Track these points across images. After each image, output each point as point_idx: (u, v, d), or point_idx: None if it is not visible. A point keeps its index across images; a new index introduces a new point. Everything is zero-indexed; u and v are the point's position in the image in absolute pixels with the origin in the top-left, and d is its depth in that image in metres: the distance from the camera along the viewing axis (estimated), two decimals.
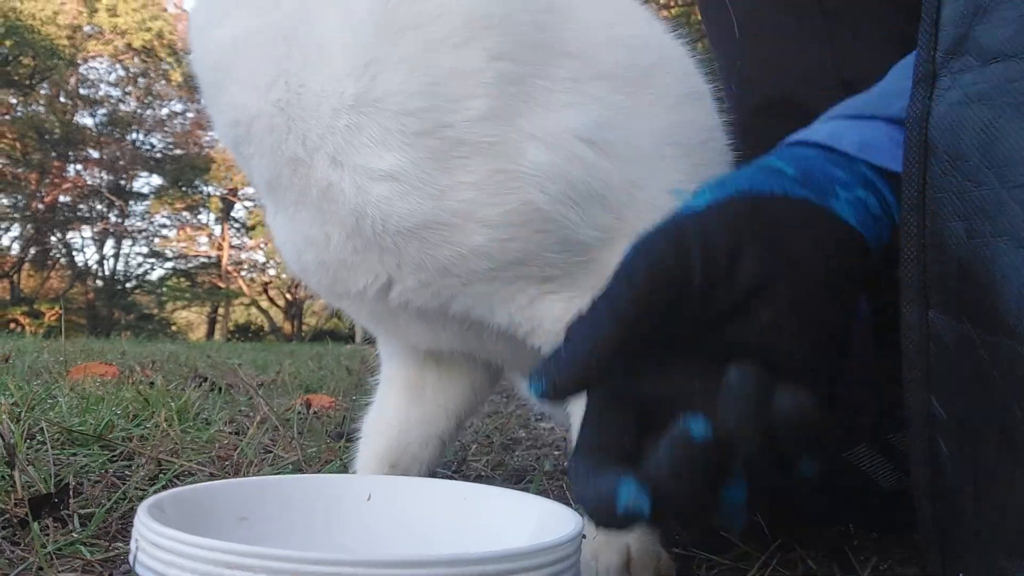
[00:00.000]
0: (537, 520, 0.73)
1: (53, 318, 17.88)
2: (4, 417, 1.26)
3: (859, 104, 0.79)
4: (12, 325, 18.09)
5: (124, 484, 1.08)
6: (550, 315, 0.82)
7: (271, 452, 1.43)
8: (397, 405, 1.03)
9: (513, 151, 0.75)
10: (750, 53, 1.34)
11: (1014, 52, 0.61)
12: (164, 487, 1.08)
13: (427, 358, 1.04)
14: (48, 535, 0.89)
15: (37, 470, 1.07)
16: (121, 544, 0.89)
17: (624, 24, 0.92)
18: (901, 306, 0.67)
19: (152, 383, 2.12)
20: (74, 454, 1.25)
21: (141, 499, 0.71)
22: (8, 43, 17.57)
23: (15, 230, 21.09)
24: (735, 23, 1.33)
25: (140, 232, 22.26)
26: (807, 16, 1.32)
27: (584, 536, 0.69)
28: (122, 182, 21.39)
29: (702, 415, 0.55)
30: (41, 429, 1.28)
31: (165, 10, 20.71)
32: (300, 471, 1.30)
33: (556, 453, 1.68)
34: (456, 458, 1.52)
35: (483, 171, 0.74)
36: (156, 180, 21.74)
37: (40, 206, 20.38)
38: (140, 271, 22.66)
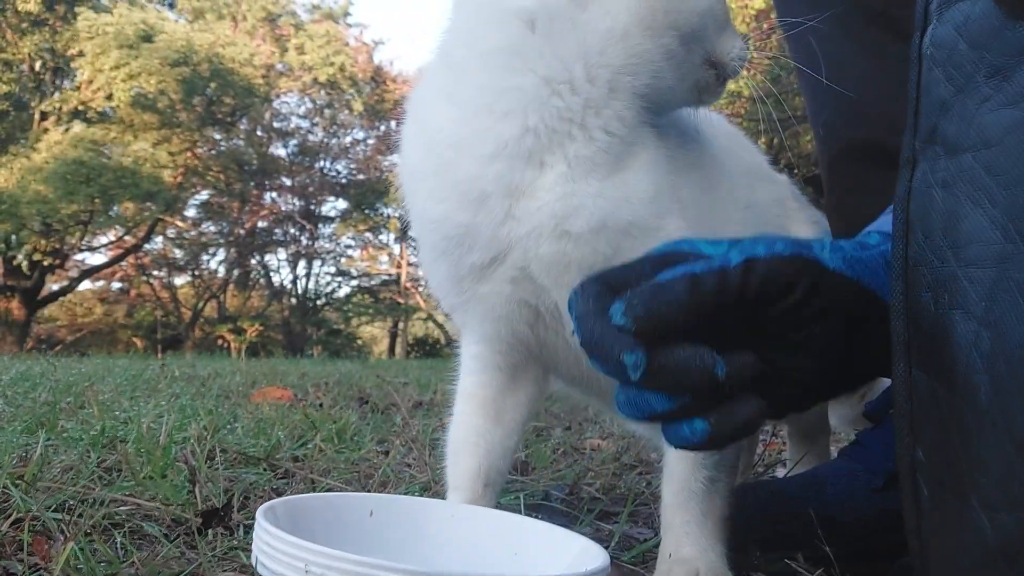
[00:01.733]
0: (575, 555, 0.89)
1: (253, 334, 19.56)
2: (192, 442, 1.54)
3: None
4: (219, 341, 19.98)
5: None
6: None
7: (408, 471, 1.63)
8: (481, 424, 1.16)
9: None
10: (835, 99, 1.41)
11: (967, 146, 0.69)
12: None
13: (503, 373, 1.17)
14: (216, 541, 1.12)
15: (213, 486, 1.32)
16: None
17: None
18: (892, 363, 0.76)
19: (320, 405, 2.41)
20: (245, 472, 1.50)
21: None
22: (213, 85, 19.40)
23: (220, 254, 23.24)
24: (822, 71, 1.40)
25: (328, 253, 23.97)
26: (891, 64, 1.38)
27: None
28: (312, 207, 23.06)
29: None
30: (221, 451, 1.55)
31: (347, 44, 22.20)
32: (428, 489, 1.50)
33: None
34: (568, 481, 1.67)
35: None
36: (341, 204, 23.32)
37: (241, 231, 22.34)
38: (328, 289, 24.37)
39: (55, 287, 20.09)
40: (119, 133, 17.94)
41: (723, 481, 1.13)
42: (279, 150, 23.10)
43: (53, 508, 1.15)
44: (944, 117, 0.72)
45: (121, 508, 1.19)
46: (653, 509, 1.46)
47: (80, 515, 1.13)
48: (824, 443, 1.67)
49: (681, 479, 1.12)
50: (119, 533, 1.09)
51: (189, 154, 20.28)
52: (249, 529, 1.17)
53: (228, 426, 1.88)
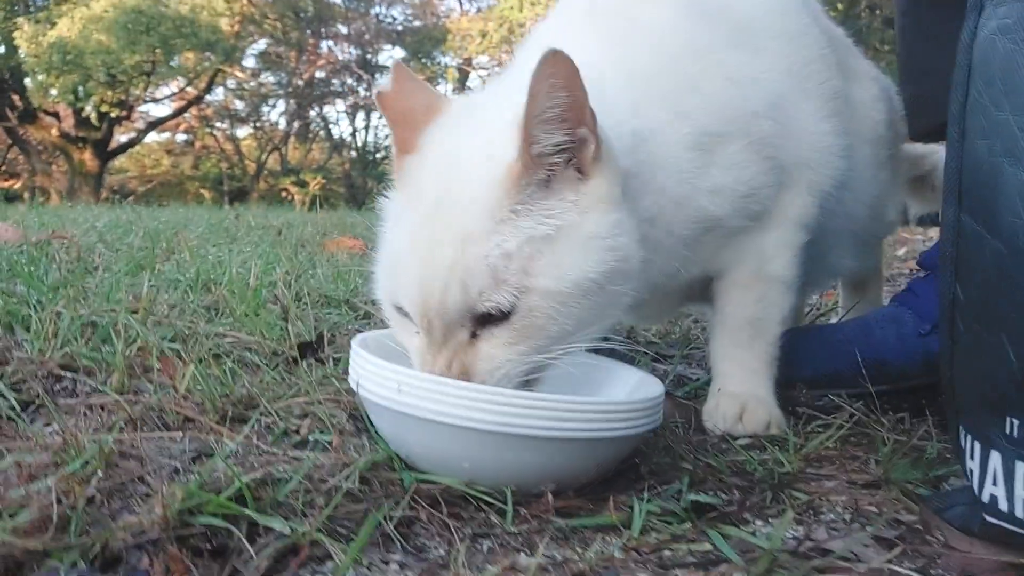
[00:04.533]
0: (633, 384, 0.99)
1: (316, 187, 19.86)
2: (280, 284, 1.67)
3: None
4: (284, 194, 20.34)
5: None
6: None
7: None
8: None
9: None
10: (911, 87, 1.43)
11: None
12: None
13: None
14: (311, 370, 1.25)
15: (303, 324, 1.45)
16: None
17: None
18: (941, 206, 0.81)
19: None
20: (328, 313, 1.63)
21: None
22: None
23: (280, 106, 23.29)
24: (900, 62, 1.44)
25: None
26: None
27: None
28: (368, 56, 22.73)
29: None
30: (307, 293, 1.68)
31: None
32: None
33: None
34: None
35: None
36: (398, 52, 22.88)
37: (299, 82, 22.25)
38: (387, 143, 24.27)
39: (123, 138, 20.51)
40: None
41: (771, 322, 1.20)
42: None
43: (168, 339, 1.29)
44: None
45: (225, 340, 1.33)
46: (705, 352, 1.55)
47: (193, 344, 1.27)
48: (876, 292, 1.72)
49: (729, 320, 1.21)
50: (229, 360, 1.23)
51: (245, 1, 19.98)
52: (338, 361, 1.30)
53: (310, 271, 2.01)
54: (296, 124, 23.26)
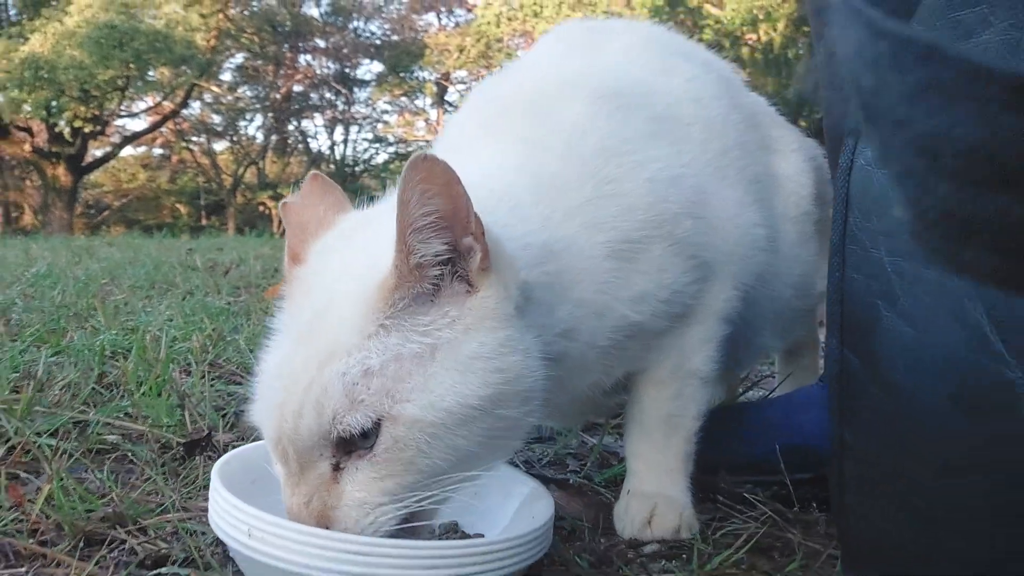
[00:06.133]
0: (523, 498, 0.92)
1: None
2: (193, 354, 1.59)
3: None
4: (261, 208, 20.22)
5: None
6: None
7: None
8: None
9: None
10: None
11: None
12: None
13: None
14: (199, 469, 1.17)
15: (206, 404, 1.37)
16: None
17: None
18: (826, 341, 0.75)
19: None
20: (240, 388, 1.56)
21: None
22: None
23: (258, 120, 23.16)
24: None
25: (365, 119, 23.72)
26: None
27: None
28: (346, 70, 22.66)
29: None
30: (223, 362, 1.60)
31: None
32: None
33: None
34: None
35: None
36: (377, 67, 22.86)
37: (277, 96, 22.14)
38: (366, 156, 24.26)
39: (98, 153, 20.31)
40: None
41: (688, 418, 1.15)
42: (312, 9, 22.55)
43: (48, 433, 1.21)
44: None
45: (113, 431, 1.26)
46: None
47: (72, 439, 1.19)
48: (813, 358, 1.67)
49: (644, 417, 1.15)
50: (109, 459, 1.15)
51: (221, 16, 19.87)
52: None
53: (234, 334, 1.93)
54: (274, 138, 23.14)
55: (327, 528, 0.78)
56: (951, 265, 0.27)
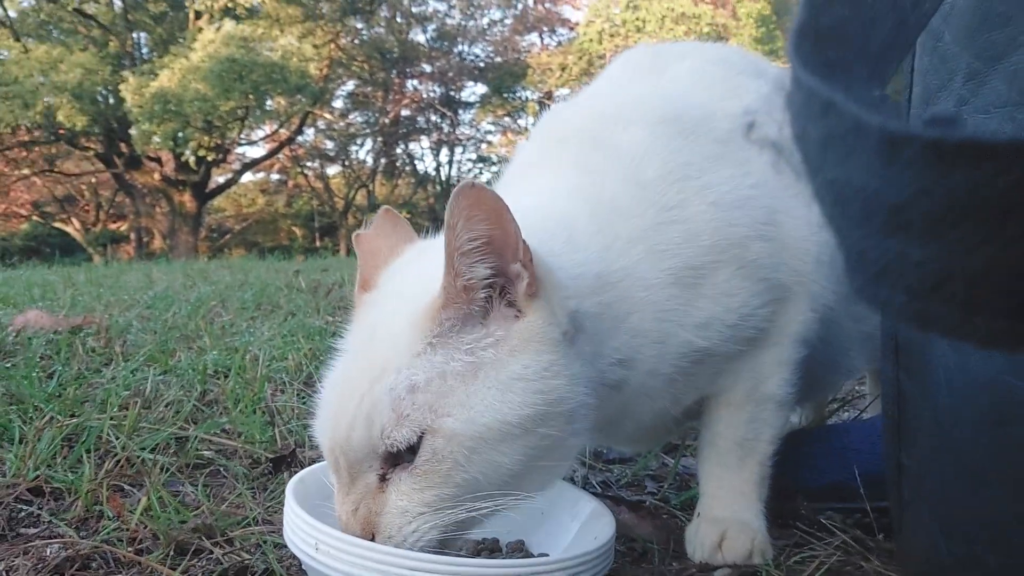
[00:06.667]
0: (585, 518, 0.93)
1: None
2: (287, 372, 1.67)
3: None
4: None
5: None
6: None
7: None
8: None
9: None
10: None
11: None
12: None
13: None
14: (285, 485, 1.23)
15: (297, 421, 1.44)
16: None
17: None
18: (880, 366, 0.74)
19: None
20: None
21: None
22: None
23: (368, 144, 23.94)
24: None
25: (469, 139, 24.21)
26: None
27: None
28: (451, 93, 23.16)
29: None
30: (317, 379, 1.68)
31: None
32: None
33: None
34: None
35: None
36: (480, 88, 23.29)
37: (386, 120, 22.83)
38: (471, 175, 24.74)
39: (220, 179, 21.44)
40: (266, 28, 18.49)
41: (763, 442, 1.13)
42: (419, 36, 23.18)
43: (150, 449, 1.30)
44: None
45: (210, 446, 1.34)
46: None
47: (173, 454, 1.28)
48: None
49: (718, 440, 1.13)
50: (202, 474, 1.23)
51: (332, 46, 20.67)
52: None
53: (327, 353, 2.01)
54: (383, 161, 23.85)
55: (372, 535, 0.82)
56: (872, 305, 0.28)
